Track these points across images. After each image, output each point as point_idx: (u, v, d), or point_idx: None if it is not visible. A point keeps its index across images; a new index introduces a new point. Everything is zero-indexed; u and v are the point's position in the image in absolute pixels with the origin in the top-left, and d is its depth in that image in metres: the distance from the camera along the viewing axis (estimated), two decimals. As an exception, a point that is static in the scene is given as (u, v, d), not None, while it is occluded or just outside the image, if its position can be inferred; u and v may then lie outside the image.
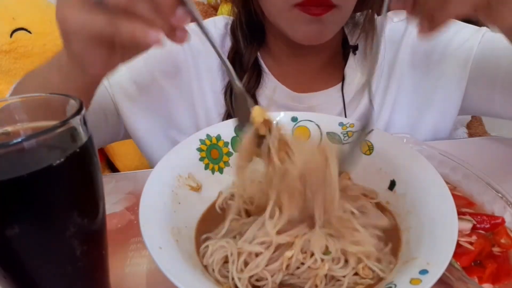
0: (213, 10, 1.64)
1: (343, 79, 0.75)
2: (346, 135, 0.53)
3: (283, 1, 0.61)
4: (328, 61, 0.77)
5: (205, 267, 0.41)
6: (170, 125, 0.76)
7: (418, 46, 0.74)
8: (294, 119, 0.56)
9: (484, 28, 0.72)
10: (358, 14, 0.75)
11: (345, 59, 0.76)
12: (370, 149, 0.52)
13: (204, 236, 0.45)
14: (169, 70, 0.73)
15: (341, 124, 0.54)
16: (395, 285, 0.35)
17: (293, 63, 0.76)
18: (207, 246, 0.43)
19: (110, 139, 0.80)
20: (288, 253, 0.38)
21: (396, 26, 0.77)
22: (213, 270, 0.40)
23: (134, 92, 0.72)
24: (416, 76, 0.75)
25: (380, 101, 0.76)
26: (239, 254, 0.40)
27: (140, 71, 0.72)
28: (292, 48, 0.72)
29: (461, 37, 0.72)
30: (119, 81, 0.72)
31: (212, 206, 0.49)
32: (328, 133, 0.54)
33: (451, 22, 0.38)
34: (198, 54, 0.74)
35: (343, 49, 0.77)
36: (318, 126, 0.55)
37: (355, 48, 0.75)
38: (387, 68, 0.76)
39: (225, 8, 1.54)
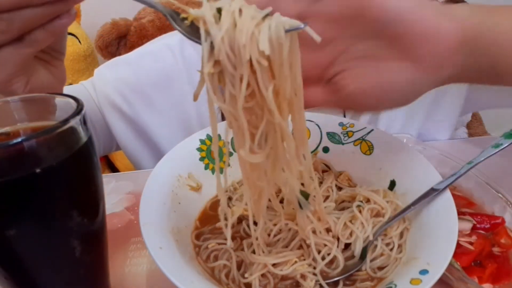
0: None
1: None
2: (346, 135, 0.53)
3: None
4: None
5: (208, 267, 0.41)
6: (157, 137, 0.74)
7: None
8: (293, 119, 0.56)
9: None
10: None
11: None
12: (370, 149, 0.52)
13: (201, 235, 0.45)
14: (160, 82, 0.71)
15: (341, 124, 0.54)
16: (395, 285, 0.35)
17: None
18: (206, 247, 0.43)
19: (103, 151, 0.79)
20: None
21: None
22: (220, 271, 0.40)
23: (120, 104, 0.71)
24: None
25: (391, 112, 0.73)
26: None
27: (128, 83, 0.71)
28: None
29: None
30: (106, 92, 0.71)
31: (211, 204, 0.49)
32: (328, 133, 0.54)
33: None
34: (193, 65, 0.71)
35: None
36: (318, 126, 0.55)
37: None
38: None
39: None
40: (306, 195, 0.38)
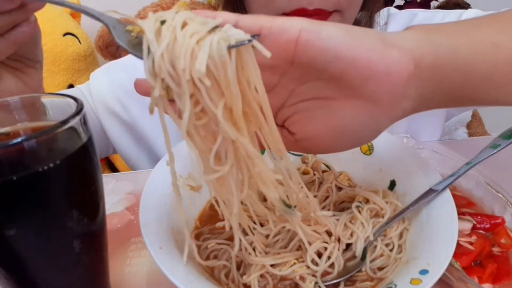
0: (213, 10, 1.64)
1: None
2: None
3: (266, 10, 0.56)
4: None
5: (208, 267, 0.41)
6: (153, 140, 0.74)
7: None
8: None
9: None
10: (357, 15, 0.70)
11: None
12: (370, 149, 0.52)
13: (201, 234, 0.45)
14: None
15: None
16: (395, 285, 0.35)
17: None
18: (206, 247, 0.43)
19: (99, 155, 0.79)
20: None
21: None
22: (219, 271, 0.40)
23: (116, 108, 0.71)
24: None
25: None
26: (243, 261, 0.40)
27: (124, 87, 0.70)
28: None
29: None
30: (101, 96, 0.70)
31: (211, 204, 0.49)
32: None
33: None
34: None
35: None
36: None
37: None
38: None
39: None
40: (288, 205, 0.36)
